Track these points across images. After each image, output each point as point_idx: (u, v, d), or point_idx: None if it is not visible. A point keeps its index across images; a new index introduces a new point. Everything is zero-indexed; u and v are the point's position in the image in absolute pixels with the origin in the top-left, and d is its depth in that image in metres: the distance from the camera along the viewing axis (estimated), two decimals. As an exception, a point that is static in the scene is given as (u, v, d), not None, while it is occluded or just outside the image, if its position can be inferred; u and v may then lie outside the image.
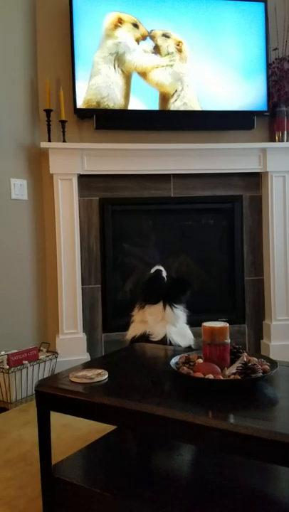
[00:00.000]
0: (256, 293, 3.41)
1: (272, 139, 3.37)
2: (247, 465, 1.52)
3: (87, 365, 1.71)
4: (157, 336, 2.15)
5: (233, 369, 1.44)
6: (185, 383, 1.46)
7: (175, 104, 3.16)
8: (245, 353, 1.54)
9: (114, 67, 3.03)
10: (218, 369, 1.44)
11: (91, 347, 3.19)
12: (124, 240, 3.34)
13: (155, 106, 3.15)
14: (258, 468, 1.50)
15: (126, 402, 1.34)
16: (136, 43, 3.05)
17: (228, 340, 1.50)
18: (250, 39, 3.24)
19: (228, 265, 3.43)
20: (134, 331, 2.23)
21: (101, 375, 1.53)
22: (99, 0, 3.03)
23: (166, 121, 3.22)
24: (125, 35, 3.04)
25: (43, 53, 3.14)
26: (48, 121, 3.04)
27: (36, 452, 1.93)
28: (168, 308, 2.21)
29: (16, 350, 2.74)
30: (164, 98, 3.15)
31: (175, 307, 2.22)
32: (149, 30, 3.09)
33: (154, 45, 3.10)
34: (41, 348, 2.96)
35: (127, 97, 3.08)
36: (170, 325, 2.19)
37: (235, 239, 3.38)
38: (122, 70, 3.05)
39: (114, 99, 3.06)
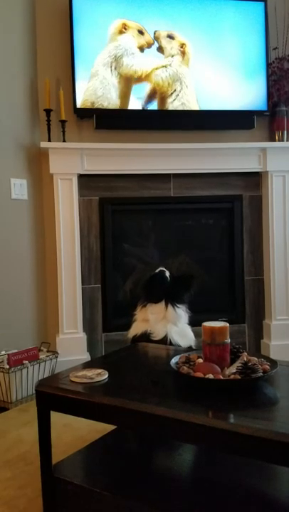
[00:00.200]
0: (256, 293, 3.41)
1: (272, 139, 3.37)
2: (247, 465, 1.52)
3: (87, 365, 1.71)
4: (158, 335, 2.15)
5: (233, 369, 1.45)
6: (185, 383, 1.46)
7: (173, 104, 3.16)
8: (245, 353, 1.54)
9: (112, 70, 3.03)
10: (218, 369, 1.44)
11: (91, 347, 3.19)
12: (124, 239, 3.34)
13: (153, 106, 3.14)
14: (258, 468, 1.50)
15: (126, 402, 1.34)
16: (139, 49, 3.06)
17: (228, 340, 1.50)
18: (250, 39, 3.24)
19: (228, 265, 3.43)
20: (135, 329, 2.23)
21: (101, 375, 1.53)
22: (99, 0, 3.03)
23: (167, 121, 3.22)
24: (128, 40, 3.04)
25: (43, 53, 3.14)
26: (48, 121, 3.04)
27: (36, 452, 1.93)
28: (170, 307, 2.21)
29: (16, 350, 2.74)
30: (163, 98, 3.15)
31: (177, 307, 2.22)
32: (153, 31, 3.08)
33: (158, 46, 3.10)
34: (41, 347, 2.96)
35: (124, 98, 3.08)
36: (171, 324, 2.18)
37: (235, 239, 3.38)
38: (119, 72, 3.05)
39: (109, 101, 3.06)
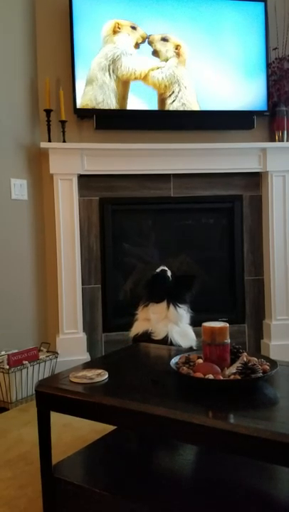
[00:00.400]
0: (256, 293, 3.41)
1: (272, 139, 3.37)
2: (247, 465, 1.52)
3: (87, 365, 1.71)
4: (159, 334, 2.14)
5: (233, 369, 1.45)
6: (185, 383, 1.46)
7: (173, 105, 3.16)
8: (245, 353, 1.54)
9: (110, 74, 3.03)
10: (218, 369, 1.44)
11: (91, 347, 3.19)
12: (124, 239, 3.34)
13: (154, 107, 3.15)
14: (258, 468, 1.50)
15: (126, 402, 1.34)
16: (134, 47, 3.06)
17: (228, 340, 1.50)
18: (250, 39, 3.24)
19: (228, 265, 3.43)
20: (137, 328, 2.23)
21: (101, 375, 1.53)
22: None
23: (167, 121, 3.22)
24: (124, 40, 3.04)
25: (43, 53, 3.14)
26: (48, 121, 3.04)
27: (36, 452, 1.93)
28: (172, 307, 2.21)
29: (16, 350, 2.74)
30: (162, 99, 3.15)
31: (179, 306, 2.22)
32: (147, 34, 3.09)
33: (152, 50, 3.10)
34: (41, 348, 2.96)
35: (123, 99, 3.08)
36: (173, 324, 2.18)
37: (235, 238, 3.38)
38: (117, 75, 3.05)
39: (109, 106, 3.06)
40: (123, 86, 3.08)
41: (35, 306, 3.14)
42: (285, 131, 3.31)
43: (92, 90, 3.03)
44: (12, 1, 2.99)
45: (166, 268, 2.36)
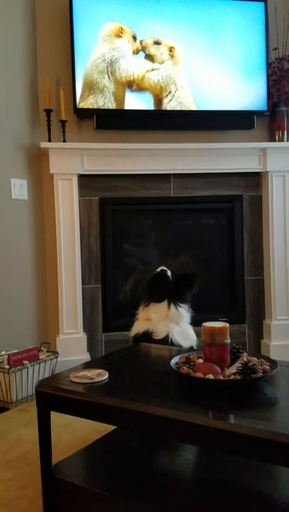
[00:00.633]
0: (256, 293, 3.41)
1: (272, 139, 3.36)
2: (247, 465, 1.52)
3: (87, 365, 1.71)
4: (159, 334, 2.14)
5: (233, 369, 1.44)
6: (185, 383, 1.46)
7: (170, 104, 3.16)
8: (245, 353, 1.54)
9: (109, 76, 3.04)
10: (218, 369, 1.44)
11: (91, 347, 3.19)
12: (124, 239, 3.34)
13: (151, 107, 3.15)
14: (258, 468, 1.50)
15: (126, 403, 1.34)
16: (132, 54, 3.06)
17: (228, 340, 1.50)
18: (250, 39, 3.24)
19: (228, 265, 3.43)
20: (137, 328, 2.23)
21: (101, 375, 1.53)
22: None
23: (167, 121, 3.22)
24: (124, 45, 3.04)
25: (43, 53, 3.14)
26: (48, 121, 3.04)
27: (36, 452, 1.93)
28: (172, 306, 2.21)
29: (16, 350, 2.74)
30: (159, 99, 3.15)
31: (179, 306, 2.22)
32: (148, 34, 3.09)
33: (145, 54, 3.10)
34: (41, 348, 2.96)
35: (122, 101, 3.08)
36: (173, 324, 2.18)
37: (235, 239, 3.38)
38: (115, 77, 3.05)
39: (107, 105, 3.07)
40: (121, 88, 3.08)
41: (36, 306, 3.14)
42: (285, 131, 3.31)
43: (94, 95, 3.04)
44: (12, 1, 2.99)
45: (165, 268, 2.36)
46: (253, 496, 1.37)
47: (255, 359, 1.50)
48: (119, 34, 3.04)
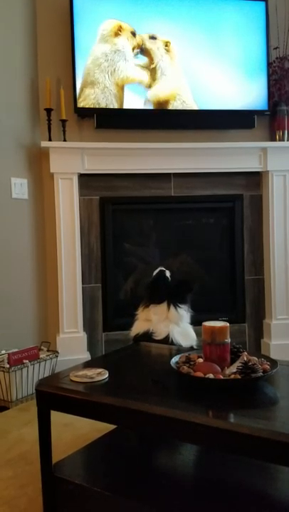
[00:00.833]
0: (256, 292, 3.41)
1: (272, 138, 3.36)
2: (247, 465, 1.52)
3: (87, 365, 1.71)
4: (160, 334, 2.15)
5: (233, 368, 1.45)
6: (185, 383, 1.46)
7: (173, 104, 3.16)
8: (246, 353, 1.54)
9: (109, 76, 3.04)
10: (219, 368, 1.44)
11: (91, 346, 3.20)
12: (124, 239, 3.34)
13: (150, 106, 3.15)
14: (258, 468, 1.50)
15: (126, 402, 1.34)
16: (131, 52, 3.06)
17: (229, 340, 1.50)
18: (250, 38, 3.24)
19: (229, 264, 3.43)
20: (137, 328, 2.23)
21: (101, 375, 1.53)
22: (99, -1, 3.04)
23: (167, 121, 3.22)
24: (123, 43, 3.04)
25: (44, 52, 3.14)
26: (49, 120, 3.03)
27: (37, 451, 1.93)
28: (172, 307, 2.21)
29: (16, 350, 2.74)
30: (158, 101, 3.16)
31: (179, 307, 2.22)
32: (146, 31, 3.08)
33: (141, 49, 3.09)
34: (42, 347, 2.96)
35: (122, 100, 3.08)
36: (174, 324, 2.19)
37: (235, 238, 3.38)
38: (115, 78, 3.05)
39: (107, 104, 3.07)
40: (121, 87, 3.08)
41: (36, 305, 3.14)
42: (286, 131, 3.31)
43: (95, 94, 3.03)
44: (12, 0, 2.99)
45: (164, 269, 2.37)
46: (253, 496, 1.37)
47: (256, 358, 1.50)
48: (118, 33, 3.04)
